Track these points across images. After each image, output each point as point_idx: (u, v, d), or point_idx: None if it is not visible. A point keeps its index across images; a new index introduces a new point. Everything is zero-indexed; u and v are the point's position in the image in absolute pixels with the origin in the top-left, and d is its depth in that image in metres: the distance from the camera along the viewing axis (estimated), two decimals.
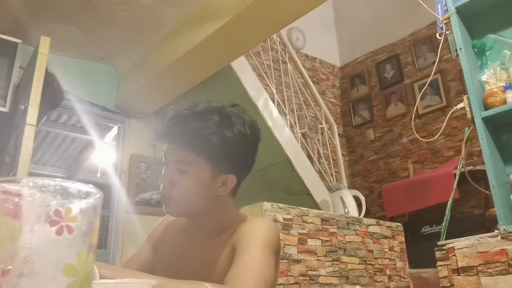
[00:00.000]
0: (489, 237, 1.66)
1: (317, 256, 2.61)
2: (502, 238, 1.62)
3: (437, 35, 2.06)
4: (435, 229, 4.05)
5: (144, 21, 2.95)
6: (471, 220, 4.01)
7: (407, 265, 3.21)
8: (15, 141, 2.34)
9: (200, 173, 0.95)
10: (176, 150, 0.96)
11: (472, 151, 4.13)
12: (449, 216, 1.95)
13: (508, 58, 1.86)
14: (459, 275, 1.70)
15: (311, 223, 2.66)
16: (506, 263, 1.58)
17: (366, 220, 3.08)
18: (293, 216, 2.57)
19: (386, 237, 3.13)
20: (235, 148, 0.96)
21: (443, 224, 1.93)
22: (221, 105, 1.00)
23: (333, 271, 2.67)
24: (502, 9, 1.93)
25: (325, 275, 2.61)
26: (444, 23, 1.99)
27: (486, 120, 1.79)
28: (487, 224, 3.35)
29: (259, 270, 0.83)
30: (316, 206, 3.60)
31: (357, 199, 4.00)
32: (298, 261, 2.50)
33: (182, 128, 0.95)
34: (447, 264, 1.76)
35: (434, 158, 4.70)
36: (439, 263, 1.80)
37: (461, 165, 2.02)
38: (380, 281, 2.94)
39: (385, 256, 3.06)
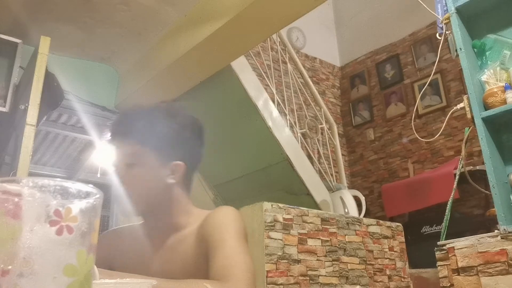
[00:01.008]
0: (489, 237, 1.66)
1: (317, 256, 2.61)
2: (502, 238, 1.62)
3: (437, 35, 2.06)
4: (435, 229, 4.05)
5: (144, 21, 2.95)
6: (471, 220, 4.01)
7: (407, 265, 3.21)
8: (15, 141, 2.34)
9: (147, 162, 0.96)
10: (121, 145, 0.98)
11: (472, 151, 4.13)
12: (449, 216, 1.95)
13: (508, 58, 1.86)
14: (459, 275, 1.70)
15: (311, 223, 2.65)
16: (506, 263, 1.58)
17: (366, 220, 3.07)
18: (293, 216, 2.57)
19: (386, 237, 3.13)
20: (178, 135, 0.99)
21: (443, 224, 1.93)
22: (161, 101, 1.06)
23: (333, 271, 2.67)
24: (502, 9, 1.93)
25: (325, 275, 2.61)
26: (444, 23, 1.99)
27: (486, 120, 1.79)
28: (487, 224, 3.35)
29: (243, 260, 0.84)
30: (316, 206, 3.59)
31: (357, 199, 4.00)
32: (298, 261, 2.50)
33: (126, 124, 0.99)
34: (447, 264, 1.76)
35: (434, 158, 4.70)
36: (439, 263, 1.80)
37: (461, 165, 2.02)
38: (380, 281, 2.93)
39: (385, 256, 3.05)
